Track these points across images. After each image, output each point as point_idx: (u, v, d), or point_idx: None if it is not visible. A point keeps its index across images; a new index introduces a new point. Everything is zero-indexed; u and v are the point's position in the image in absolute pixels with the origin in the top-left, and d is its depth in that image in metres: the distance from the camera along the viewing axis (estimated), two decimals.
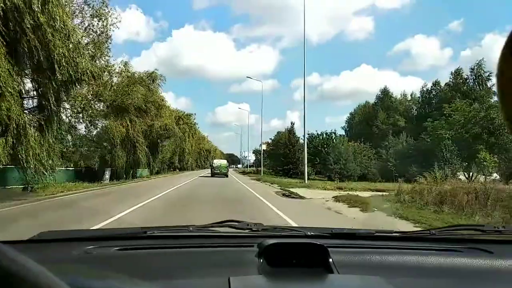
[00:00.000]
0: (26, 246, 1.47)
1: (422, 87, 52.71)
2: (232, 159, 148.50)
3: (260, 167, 62.17)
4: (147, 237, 1.60)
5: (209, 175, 41.92)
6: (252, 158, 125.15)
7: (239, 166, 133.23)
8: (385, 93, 55.22)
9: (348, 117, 65.42)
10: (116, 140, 33.52)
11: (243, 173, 62.91)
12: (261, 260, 1.26)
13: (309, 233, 1.64)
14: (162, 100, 36.44)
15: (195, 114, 69.57)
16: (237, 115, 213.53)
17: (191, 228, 1.69)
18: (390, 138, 42.25)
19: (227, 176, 38.30)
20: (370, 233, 1.78)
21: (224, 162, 43.01)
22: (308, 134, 50.21)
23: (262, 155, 52.87)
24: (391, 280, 1.13)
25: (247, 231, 1.71)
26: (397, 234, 1.83)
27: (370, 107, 57.95)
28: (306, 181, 28.56)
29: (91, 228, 6.07)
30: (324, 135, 46.70)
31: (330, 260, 1.26)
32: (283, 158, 47.36)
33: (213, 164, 42.72)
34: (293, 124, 49.59)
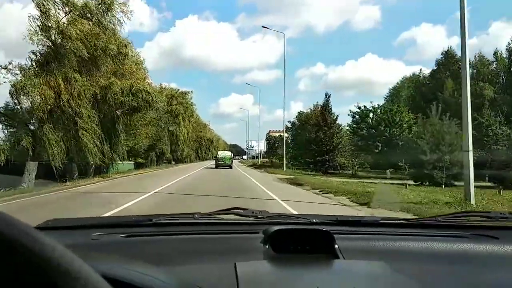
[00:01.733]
0: None
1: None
2: (237, 150, 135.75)
3: (273, 157, 47.35)
4: (153, 225, 1.56)
5: (209, 170, 34.71)
6: (260, 147, 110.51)
7: (245, 157, 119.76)
8: (449, 56, 39.92)
9: (387, 94, 50.30)
10: (38, 113, 18.34)
11: (254, 166, 47.76)
12: (267, 246, 1.24)
13: (314, 220, 1.60)
14: (126, 46, 21.19)
15: (191, 92, 53.98)
16: (240, 105, 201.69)
17: (196, 216, 1.66)
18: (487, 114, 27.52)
19: (231, 167, 36.49)
20: (375, 220, 1.77)
21: (228, 153, 41.70)
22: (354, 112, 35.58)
23: (285, 142, 35.98)
24: (396, 265, 1.12)
25: (252, 218, 1.66)
26: (403, 221, 1.81)
27: (425, 78, 42.68)
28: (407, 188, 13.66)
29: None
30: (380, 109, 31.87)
31: (336, 246, 1.23)
32: (314, 146, 32.29)
33: (217, 156, 40.91)
34: (329, 96, 34.50)
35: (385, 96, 50.50)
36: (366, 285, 1.04)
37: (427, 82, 41.61)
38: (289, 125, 45.34)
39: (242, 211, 1.75)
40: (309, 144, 33.38)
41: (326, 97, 33.39)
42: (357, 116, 36.79)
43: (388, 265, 1.11)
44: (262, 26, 41.59)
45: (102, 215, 6.73)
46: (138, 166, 45.88)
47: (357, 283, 1.01)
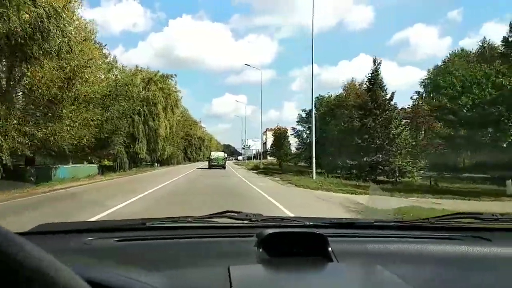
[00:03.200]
0: (25, 238, 0.99)
1: None
2: (230, 151, 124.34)
3: (283, 157, 35.23)
4: (146, 228, 1.52)
5: (197, 177, 24.71)
6: (256, 147, 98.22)
7: (240, 158, 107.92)
8: None
9: (425, 78, 38.44)
10: None
11: (258, 170, 34.24)
12: (260, 250, 1.22)
13: (308, 222, 1.59)
14: None
15: (175, 75, 41.59)
16: (234, 105, 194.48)
17: (190, 219, 1.62)
18: None
19: (224, 168, 35.43)
20: (368, 222, 1.71)
21: (221, 154, 41.18)
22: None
23: (313, 134, 20.95)
24: (390, 268, 1.10)
25: (246, 221, 1.61)
26: (396, 223, 1.81)
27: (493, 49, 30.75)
28: None
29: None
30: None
31: (329, 249, 1.21)
32: (358, 140, 20.17)
33: (210, 156, 40.11)
34: (379, 63, 21.18)
35: (421, 81, 38.52)
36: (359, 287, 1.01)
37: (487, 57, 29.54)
38: (303, 114, 33.24)
39: (236, 214, 1.67)
40: (347, 138, 21.30)
41: (374, 64, 21.18)
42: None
43: (381, 268, 1.10)
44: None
45: None
46: (106, 169, 33.70)
47: (351, 286, 0.99)
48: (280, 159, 36.11)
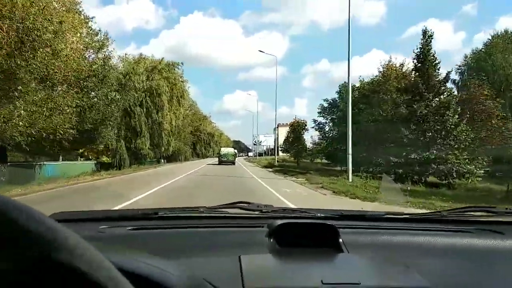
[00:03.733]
0: None
1: None
2: (240, 147, 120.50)
3: (303, 154, 31.14)
4: (158, 218, 1.53)
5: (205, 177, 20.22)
6: (268, 143, 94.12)
7: (250, 154, 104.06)
8: None
9: (462, 64, 33.87)
10: None
11: (273, 169, 28.87)
12: (271, 240, 1.22)
13: (319, 214, 1.58)
14: None
15: (182, 63, 37.53)
16: (244, 102, 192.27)
17: (202, 209, 1.63)
18: None
19: (234, 163, 35.22)
20: (380, 214, 1.70)
21: (231, 150, 40.67)
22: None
23: (349, 122, 16.64)
24: (400, 260, 1.11)
25: (257, 212, 1.63)
26: (407, 215, 1.76)
27: None
28: None
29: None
30: None
31: (340, 240, 1.21)
32: (407, 133, 15.86)
33: (220, 152, 39.74)
34: (430, 35, 16.46)
35: (459, 65, 33.87)
36: (370, 279, 1.02)
37: None
38: (325, 104, 28.91)
39: (247, 205, 1.70)
40: (388, 129, 17.06)
41: (424, 37, 16.73)
42: None
43: (392, 260, 1.11)
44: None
45: None
46: (103, 167, 30.02)
47: (361, 277, 0.98)
48: (297, 155, 31.83)
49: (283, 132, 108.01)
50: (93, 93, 16.23)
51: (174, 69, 37.07)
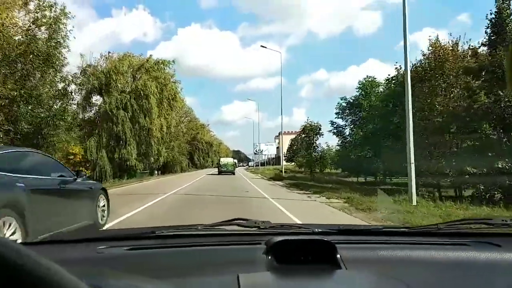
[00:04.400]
0: (37, 247, 1.41)
1: None
2: (240, 157, 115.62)
3: (316, 163, 26.10)
4: (156, 237, 1.51)
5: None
6: (269, 152, 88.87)
7: (250, 164, 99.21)
8: None
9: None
10: None
11: (282, 181, 23.32)
12: (269, 257, 1.20)
13: (316, 230, 1.55)
14: None
15: (173, 62, 32.36)
16: (243, 112, 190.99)
17: (199, 227, 1.62)
18: None
19: (234, 173, 35.15)
20: (377, 228, 1.72)
21: (231, 160, 40.97)
22: None
23: (409, 116, 10.57)
24: (398, 274, 1.10)
25: (254, 229, 1.60)
26: (404, 229, 1.79)
27: None
28: None
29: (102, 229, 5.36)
30: None
31: (338, 256, 1.19)
32: (490, 130, 10.67)
33: (220, 163, 39.45)
34: None
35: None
36: None
37: None
38: (343, 103, 23.82)
39: (244, 221, 1.66)
40: (450, 128, 11.92)
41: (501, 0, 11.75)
42: None
43: (390, 274, 1.10)
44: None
45: None
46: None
47: None
48: (310, 165, 26.56)
49: (284, 142, 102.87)
50: (33, 80, 11.16)
51: (165, 68, 31.99)
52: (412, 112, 11.46)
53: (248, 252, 1.31)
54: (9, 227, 4.04)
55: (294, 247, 1.23)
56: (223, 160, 40.42)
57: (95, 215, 6.35)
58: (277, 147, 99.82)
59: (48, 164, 5.75)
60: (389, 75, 17.11)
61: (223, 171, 36.27)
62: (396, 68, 16.87)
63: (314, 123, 25.28)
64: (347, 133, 23.68)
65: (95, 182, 7.40)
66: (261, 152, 75.73)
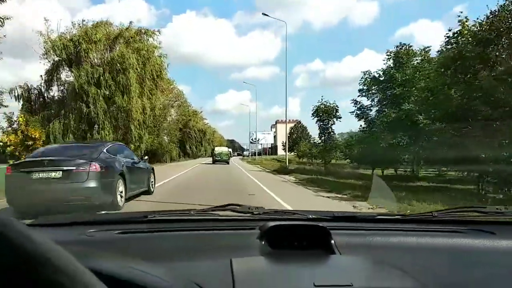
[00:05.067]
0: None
1: None
2: (234, 146, 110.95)
3: (333, 152, 21.18)
4: (148, 221, 1.48)
5: None
6: (266, 141, 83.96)
7: (245, 153, 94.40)
8: None
9: None
10: None
11: (289, 174, 18.81)
12: (263, 242, 1.19)
13: (310, 216, 1.53)
14: None
15: (158, 31, 26.82)
16: (237, 101, 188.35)
17: (192, 212, 1.59)
18: None
19: (228, 163, 34.59)
20: (371, 215, 1.72)
21: (225, 149, 39.46)
22: None
23: None
24: (392, 261, 1.09)
25: (248, 214, 1.56)
26: (399, 216, 1.78)
27: None
28: None
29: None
30: None
31: (332, 242, 1.19)
32: None
33: (214, 152, 37.89)
34: None
35: None
36: (363, 280, 1.00)
37: None
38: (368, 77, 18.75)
39: (238, 207, 1.63)
40: None
41: None
42: None
43: (384, 261, 1.09)
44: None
45: None
46: None
47: (354, 279, 0.96)
48: (324, 155, 21.50)
49: (281, 130, 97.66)
50: None
51: (148, 40, 26.64)
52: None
53: (241, 237, 1.30)
54: (120, 186, 7.18)
55: (288, 232, 1.21)
56: (218, 149, 38.70)
57: (149, 185, 9.36)
58: (274, 136, 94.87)
59: (127, 151, 9.00)
60: (449, 30, 12.07)
61: (217, 160, 35.21)
62: (461, 21, 11.76)
63: (330, 104, 20.22)
64: (373, 115, 18.68)
65: (149, 164, 9.99)
66: (258, 141, 70.72)
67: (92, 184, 6.46)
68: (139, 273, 0.65)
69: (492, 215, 1.60)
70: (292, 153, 69.80)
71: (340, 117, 20.11)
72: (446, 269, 1.11)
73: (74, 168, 6.46)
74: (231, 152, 58.22)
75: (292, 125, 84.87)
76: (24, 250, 0.39)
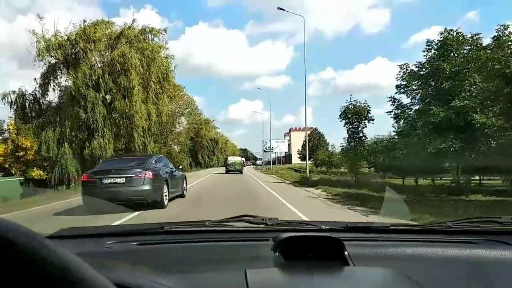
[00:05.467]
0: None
1: None
2: (247, 155, 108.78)
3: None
4: (164, 232, 1.52)
5: None
6: (280, 149, 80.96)
7: (258, 162, 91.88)
8: None
9: None
10: None
11: (317, 188, 15.28)
12: (277, 254, 1.18)
13: (323, 227, 1.53)
14: None
15: (164, 31, 24.37)
16: (250, 111, 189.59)
17: (207, 223, 1.62)
18: None
19: (241, 172, 34.02)
20: (385, 226, 1.64)
21: (238, 159, 39.03)
22: None
23: None
24: (406, 272, 1.07)
25: (262, 225, 1.59)
26: (413, 227, 1.78)
27: None
28: None
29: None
30: None
31: (346, 253, 1.17)
32: None
33: (227, 161, 37.94)
34: None
35: None
36: None
37: None
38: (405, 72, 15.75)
39: (252, 218, 1.66)
40: None
41: None
42: None
43: (398, 272, 1.07)
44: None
45: None
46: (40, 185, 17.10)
47: None
48: (353, 164, 18.44)
49: (295, 138, 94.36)
50: None
51: (153, 39, 24.21)
52: None
53: (255, 248, 1.30)
54: (165, 189, 8.88)
55: (301, 243, 1.20)
56: (231, 159, 38.16)
57: (183, 189, 10.97)
58: (288, 144, 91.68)
59: (166, 161, 10.58)
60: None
61: (230, 170, 34.93)
62: None
63: (361, 103, 17.26)
64: (413, 115, 15.61)
65: (182, 172, 11.98)
66: (272, 149, 67.75)
67: (147, 187, 8.36)
68: (156, 285, 0.66)
69: (506, 225, 1.53)
70: (310, 162, 66.76)
71: (373, 119, 17.13)
72: (460, 280, 1.08)
73: (134, 175, 8.38)
74: (244, 161, 55.96)
75: (308, 132, 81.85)
76: (45, 261, 0.39)
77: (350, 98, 17.52)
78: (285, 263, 1.14)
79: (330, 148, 41.46)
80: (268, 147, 71.71)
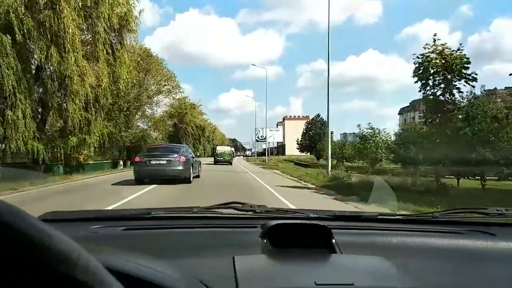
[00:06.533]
0: None
1: None
2: (236, 145, 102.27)
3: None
4: (151, 218, 1.49)
5: None
6: (274, 139, 73.31)
7: (248, 153, 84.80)
8: None
9: None
10: None
11: (351, 193, 9.42)
12: (265, 241, 1.19)
13: (312, 215, 1.52)
14: None
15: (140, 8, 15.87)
16: (240, 101, 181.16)
17: (195, 210, 1.59)
18: None
19: (231, 163, 33.10)
20: (373, 215, 1.64)
21: (228, 149, 37.07)
22: None
23: None
24: (393, 260, 1.07)
25: (250, 212, 1.58)
26: (400, 216, 1.78)
27: None
28: None
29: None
30: None
31: (333, 241, 1.18)
32: None
33: (216, 151, 36.34)
34: None
35: None
36: (363, 279, 0.99)
37: None
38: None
39: (240, 205, 1.64)
40: None
41: None
42: None
43: (385, 260, 1.08)
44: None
45: None
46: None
47: (355, 278, 0.96)
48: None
49: (290, 127, 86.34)
50: None
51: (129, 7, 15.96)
52: None
53: (243, 235, 1.30)
54: (191, 169, 12.85)
55: (289, 231, 1.21)
56: (220, 149, 36.29)
57: (199, 172, 14.77)
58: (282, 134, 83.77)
59: (190, 150, 14.74)
60: None
61: (219, 160, 33.36)
62: None
63: (450, 50, 9.47)
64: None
65: (198, 159, 16.57)
66: (265, 139, 59.96)
67: (181, 167, 12.23)
68: (144, 269, 0.65)
69: (492, 216, 1.57)
70: (309, 154, 59.02)
71: (475, 79, 9.48)
72: (446, 270, 1.10)
73: (172, 158, 12.30)
74: (234, 151, 49.68)
75: (300, 122, 74.20)
76: (35, 242, 0.38)
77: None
78: (273, 250, 1.14)
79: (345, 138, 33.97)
80: (261, 136, 63.92)
